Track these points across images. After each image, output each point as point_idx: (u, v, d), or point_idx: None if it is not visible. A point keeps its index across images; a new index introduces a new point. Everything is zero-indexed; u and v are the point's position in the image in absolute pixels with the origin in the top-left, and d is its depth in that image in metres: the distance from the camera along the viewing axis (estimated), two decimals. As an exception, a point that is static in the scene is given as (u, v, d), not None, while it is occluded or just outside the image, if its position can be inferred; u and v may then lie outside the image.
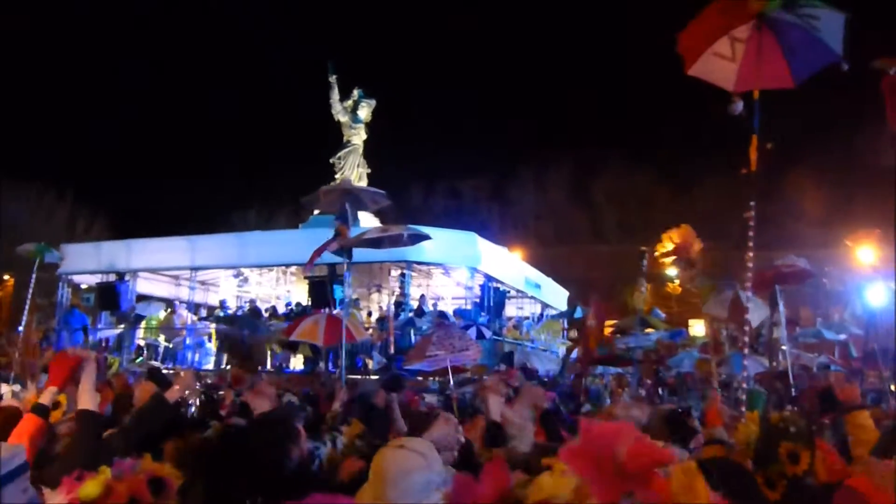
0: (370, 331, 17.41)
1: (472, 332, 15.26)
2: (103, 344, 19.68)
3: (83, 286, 22.18)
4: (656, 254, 11.44)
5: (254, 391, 4.46)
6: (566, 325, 24.81)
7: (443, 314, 18.51)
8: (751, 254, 4.85)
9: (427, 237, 11.62)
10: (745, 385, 5.17)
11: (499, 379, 4.93)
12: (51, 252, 17.75)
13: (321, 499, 1.92)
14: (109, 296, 19.71)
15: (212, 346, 19.38)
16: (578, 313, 19.93)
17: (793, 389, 7.90)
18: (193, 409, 6.81)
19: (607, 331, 26.01)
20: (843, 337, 15.89)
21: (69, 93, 46.22)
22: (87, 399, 3.20)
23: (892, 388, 10.24)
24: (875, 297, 15.44)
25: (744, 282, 5.06)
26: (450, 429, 3.09)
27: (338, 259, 15.61)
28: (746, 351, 5.56)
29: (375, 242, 11.24)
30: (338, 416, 6.39)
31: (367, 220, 18.75)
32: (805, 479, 2.43)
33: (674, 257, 11.66)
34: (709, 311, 14.21)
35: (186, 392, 4.10)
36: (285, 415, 3.55)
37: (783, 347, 9.44)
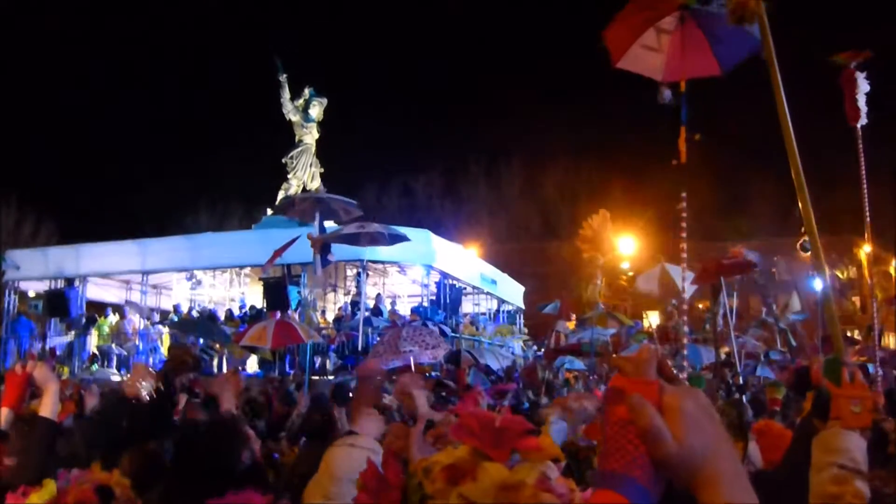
0: (326, 331, 17.36)
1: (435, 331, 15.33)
2: (54, 352, 19.28)
3: (31, 293, 21.73)
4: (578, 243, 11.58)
5: (219, 382, 4.42)
6: (521, 322, 25.02)
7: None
8: (684, 245, 5.01)
9: (406, 238, 11.66)
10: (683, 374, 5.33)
11: (412, 376, 4.77)
12: (4, 260, 17.38)
13: (233, 497, 1.95)
14: (58, 302, 19.33)
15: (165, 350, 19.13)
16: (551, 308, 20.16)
17: (740, 378, 8.12)
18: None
19: (572, 324, 26.36)
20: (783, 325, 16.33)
21: (8, 94, 45.09)
22: (48, 408, 3.09)
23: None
24: (817, 285, 15.89)
25: (683, 266, 5.20)
26: (378, 422, 3.14)
27: (294, 260, 15.67)
28: (686, 340, 5.72)
29: (353, 239, 11.29)
30: (297, 421, 6.41)
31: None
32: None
33: (590, 244, 11.80)
34: (639, 289, 14.51)
35: (142, 383, 4.04)
36: (233, 419, 3.53)
37: (734, 335, 9.67)
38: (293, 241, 10.75)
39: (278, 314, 16.08)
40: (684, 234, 4.96)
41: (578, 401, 4.67)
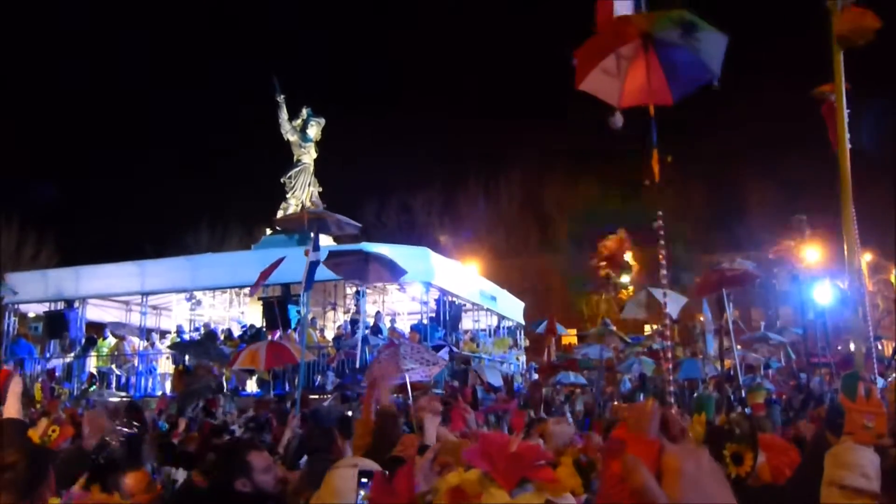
0: (326, 349, 17.32)
1: (444, 353, 15.35)
2: (52, 373, 19.20)
3: (31, 315, 21.71)
4: (593, 261, 11.81)
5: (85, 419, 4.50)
6: (521, 338, 25.00)
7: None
8: (664, 262, 5.11)
9: (403, 272, 11.67)
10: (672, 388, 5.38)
11: (430, 398, 4.92)
12: (5, 287, 17.34)
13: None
14: (58, 324, 19.33)
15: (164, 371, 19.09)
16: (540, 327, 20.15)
17: (741, 391, 8.11)
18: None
19: (571, 339, 26.29)
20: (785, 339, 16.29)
21: (10, 116, 45.16)
22: (14, 409, 3.45)
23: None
24: (822, 296, 15.82)
25: (661, 282, 5.29)
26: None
27: (293, 279, 15.63)
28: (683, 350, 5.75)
29: (361, 274, 11.29)
30: (292, 443, 6.36)
31: (324, 241, 18.68)
32: (748, 479, 2.49)
33: (606, 263, 11.98)
34: (628, 315, 14.65)
35: (101, 434, 4.16)
36: (240, 446, 3.53)
37: (737, 348, 9.67)
38: (278, 262, 10.81)
39: (278, 332, 16.09)
40: (663, 251, 5.04)
41: (560, 424, 4.86)
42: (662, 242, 5.06)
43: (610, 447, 0.97)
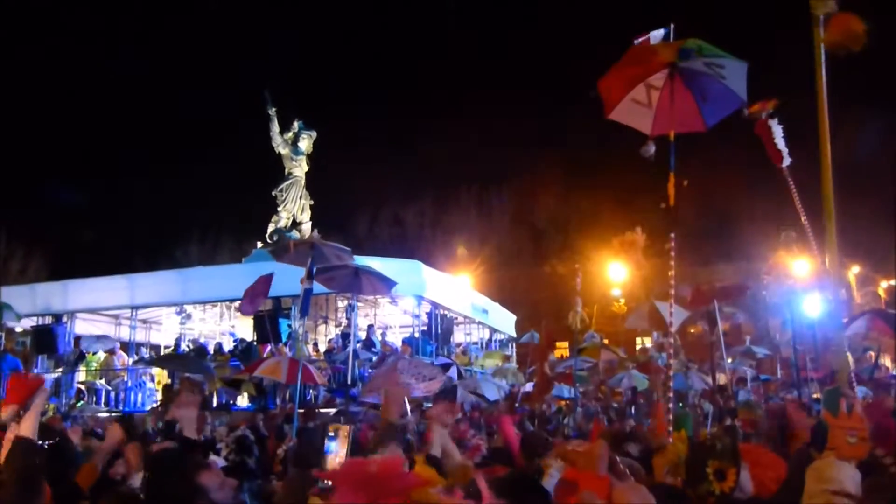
0: (317, 363, 17.27)
1: (453, 372, 15.37)
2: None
3: (18, 329, 21.55)
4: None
5: (176, 404, 4.41)
6: (513, 350, 24.97)
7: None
8: (673, 281, 5.16)
9: (393, 283, 11.73)
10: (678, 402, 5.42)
11: (444, 408, 4.85)
12: (10, 311, 17.26)
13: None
14: (46, 338, 19.17)
15: (154, 386, 18.96)
16: (527, 339, 20.10)
17: (732, 402, 8.13)
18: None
19: (563, 352, 26.20)
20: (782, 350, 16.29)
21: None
22: (30, 427, 3.35)
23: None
24: (812, 308, 15.79)
25: (671, 300, 5.34)
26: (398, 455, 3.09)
27: (284, 293, 15.61)
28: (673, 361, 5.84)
29: (355, 286, 11.36)
30: (288, 454, 6.36)
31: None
32: (731, 495, 2.49)
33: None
34: (631, 326, 14.77)
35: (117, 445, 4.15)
36: (187, 470, 3.46)
37: (728, 361, 9.70)
38: (269, 280, 10.85)
39: (269, 346, 16.06)
40: (672, 272, 5.10)
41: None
42: (673, 263, 5.13)
43: (563, 486, 1.00)
